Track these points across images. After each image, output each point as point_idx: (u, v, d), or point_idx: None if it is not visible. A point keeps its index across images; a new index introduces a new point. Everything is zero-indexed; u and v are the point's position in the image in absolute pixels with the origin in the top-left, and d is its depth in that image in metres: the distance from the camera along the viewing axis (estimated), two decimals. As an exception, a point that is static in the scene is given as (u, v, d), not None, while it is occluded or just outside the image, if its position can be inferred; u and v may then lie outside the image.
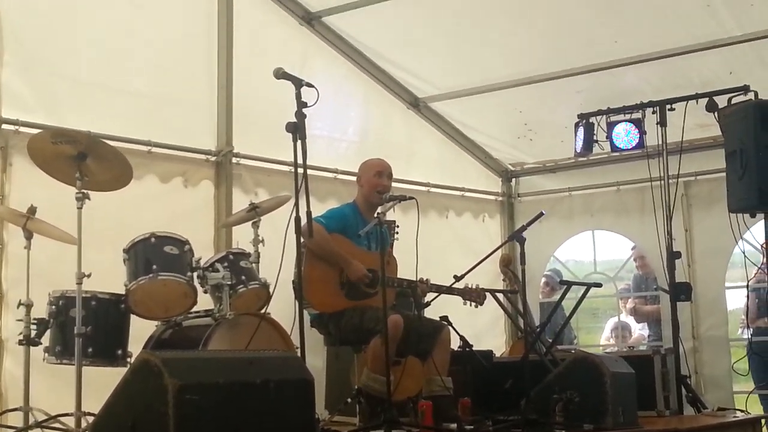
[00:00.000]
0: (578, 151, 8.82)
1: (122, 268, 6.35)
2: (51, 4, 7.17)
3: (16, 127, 6.77)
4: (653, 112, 8.19)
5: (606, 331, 11.00)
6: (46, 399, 6.05)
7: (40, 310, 6.11)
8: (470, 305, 7.11)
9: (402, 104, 9.89)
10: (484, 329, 9.86)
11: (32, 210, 6.10)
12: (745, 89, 7.81)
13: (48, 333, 6.09)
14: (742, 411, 7.80)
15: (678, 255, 8.02)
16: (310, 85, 5.51)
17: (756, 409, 8.38)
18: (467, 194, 10.53)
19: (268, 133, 7.85)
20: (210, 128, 8.11)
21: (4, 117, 6.76)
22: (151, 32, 7.73)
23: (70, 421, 5.72)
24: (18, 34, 6.89)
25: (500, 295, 7.93)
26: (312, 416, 4.59)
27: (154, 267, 6.25)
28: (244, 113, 8.22)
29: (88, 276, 5.88)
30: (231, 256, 6.76)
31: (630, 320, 10.71)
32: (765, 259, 7.57)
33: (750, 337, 8.45)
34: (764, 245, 7.58)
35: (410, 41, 9.15)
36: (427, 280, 6.81)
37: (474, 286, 7.07)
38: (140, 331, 6.51)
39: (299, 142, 5.36)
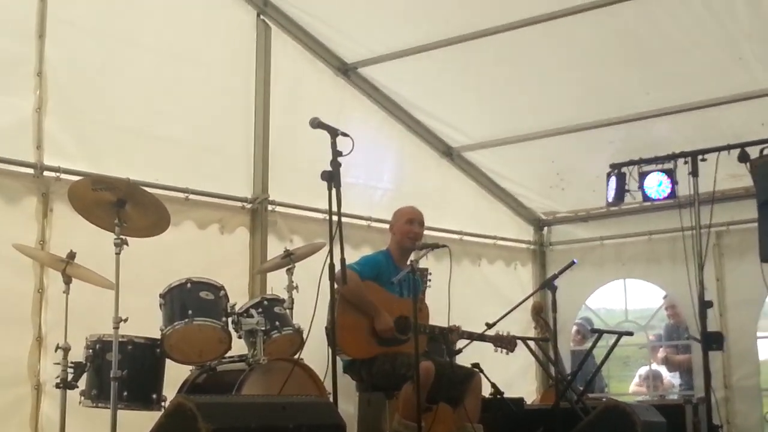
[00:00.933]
0: (610, 200, 8.87)
1: (158, 313, 6.42)
2: (95, 52, 7.28)
3: (58, 174, 6.88)
4: (685, 163, 8.27)
5: (636, 378, 10.96)
6: (82, 442, 6.12)
7: (78, 354, 6.17)
8: (501, 352, 7.15)
9: (435, 153, 9.98)
10: (516, 376, 9.87)
11: (72, 255, 6.18)
12: (777, 140, 7.87)
13: (84, 376, 6.13)
14: (774, 460, 7.80)
15: (710, 304, 8.05)
16: (345, 135, 5.57)
17: (788, 460, 8.34)
18: (499, 242, 10.59)
19: (303, 181, 7.94)
20: (247, 176, 8.21)
21: (46, 164, 6.87)
22: (192, 82, 7.86)
23: (106, 464, 5.79)
24: (61, 82, 7.01)
25: (531, 343, 7.96)
26: (344, 461, 4.63)
27: (190, 312, 6.30)
28: (281, 162, 8.31)
29: (125, 320, 5.93)
30: (265, 302, 6.80)
31: (661, 369, 10.68)
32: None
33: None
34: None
35: (443, 91, 9.25)
36: (458, 327, 6.85)
37: (505, 333, 7.10)
38: (175, 375, 6.55)
39: (334, 191, 5.44)
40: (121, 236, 5.97)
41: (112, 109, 7.36)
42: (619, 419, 6.23)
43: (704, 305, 8.01)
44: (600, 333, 7.93)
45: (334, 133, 5.57)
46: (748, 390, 9.30)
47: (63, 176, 6.86)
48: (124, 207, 6.04)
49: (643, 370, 10.91)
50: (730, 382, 9.34)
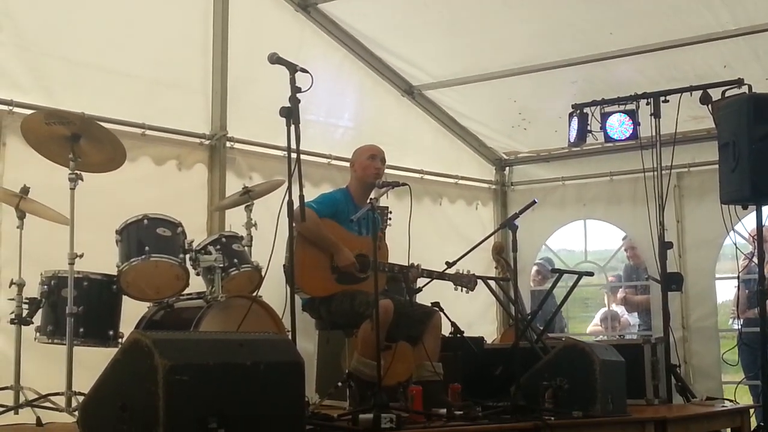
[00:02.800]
0: (572, 141, 8.85)
1: (115, 249, 6.35)
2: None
3: (10, 107, 6.76)
4: (647, 104, 8.25)
5: (596, 319, 11.03)
6: (36, 378, 6.03)
7: (32, 290, 6.11)
8: (461, 290, 7.13)
9: (397, 92, 9.89)
10: (476, 316, 9.91)
11: (25, 190, 6.09)
12: (739, 82, 7.86)
13: (40, 312, 6.09)
14: (730, 401, 7.86)
15: (669, 245, 8.08)
16: (304, 71, 5.49)
17: (745, 399, 8.42)
18: (461, 182, 10.56)
19: (262, 118, 7.88)
20: (205, 112, 8.11)
21: (-2, 97, 6.75)
22: (148, 16, 7.70)
23: (61, 401, 5.72)
24: (14, 14, 6.88)
25: (492, 283, 7.96)
26: (301, 399, 4.58)
27: (147, 249, 6.25)
28: (239, 98, 8.22)
29: (81, 256, 5.88)
30: (223, 239, 6.76)
31: (620, 309, 10.74)
32: (755, 250, 7.58)
33: (740, 327, 8.48)
34: (754, 236, 7.59)
35: (405, 29, 9.14)
36: (418, 265, 6.82)
37: (466, 272, 7.09)
38: (132, 312, 6.51)
39: (293, 127, 5.37)
40: (76, 171, 5.90)
41: (68, 43, 7.23)
42: (577, 358, 6.23)
43: (664, 246, 8.03)
44: (560, 273, 7.95)
45: (292, 68, 5.49)
46: (705, 330, 9.37)
47: (16, 110, 6.75)
48: (79, 142, 5.96)
49: (601, 312, 10.98)
50: (688, 323, 9.41)
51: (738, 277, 8.32)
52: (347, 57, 9.35)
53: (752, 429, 7.52)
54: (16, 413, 5.79)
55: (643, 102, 8.31)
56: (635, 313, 10.59)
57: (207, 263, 6.50)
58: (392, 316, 6.35)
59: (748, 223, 7.95)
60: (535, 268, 10.77)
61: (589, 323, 11.35)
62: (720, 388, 8.94)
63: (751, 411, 7.76)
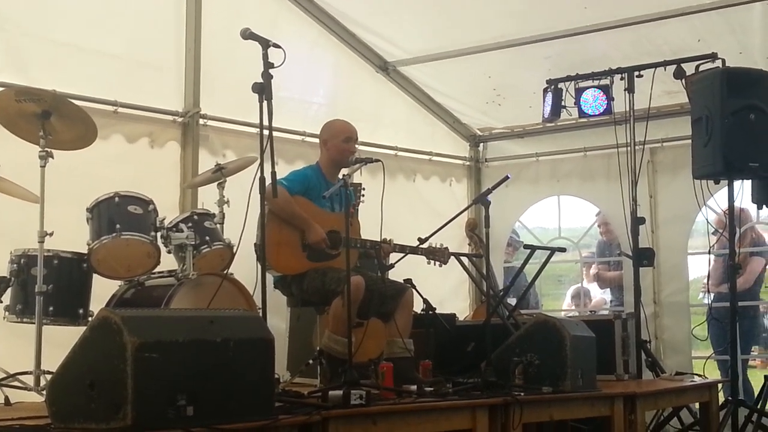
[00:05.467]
0: (546, 116, 8.89)
1: (85, 227, 6.34)
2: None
3: (-19, 85, 6.72)
4: (621, 79, 8.30)
5: (567, 297, 11.08)
6: (5, 357, 6.01)
7: (2, 269, 6.12)
8: (434, 264, 7.14)
9: (371, 68, 9.84)
10: (449, 293, 9.93)
11: (-6, 167, 6.10)
12: (713, 57, 7.91)
13: (9, 291, 6.08)
14: (699, 376, 7.94)
15: (642, 221, 8.13)
16: (277, 46, 5.45)
17: (713, 374, 8.47)
18: (435, 158, 10.53)
19: (236, 96, 7.79)
20: (178, 89, 8.07)
21: (-33, 74, 6.71)
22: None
23: (29, 379, 5.74)
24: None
25: (465, 259, 7.98)
26: (271, 375, 4.59)
27: (118, 226, 6.24)
28: (212, 75, 8.18)
29: (51, 235, 5.89)
30: (195, 217, 6.76)
31: (592, 286, 10.79)
32: (726, 226, 7.63)
33: (710, 302, 8.53)
34: (726, 212, 7.64)
35: (380, 5, 9.10)
36: (390, 240, 6.82)
37: (438, 245, 7.09)
38: (103, 290, 6.51)
39: (265, 103, 5.35)
40: (46, 149, 5.89)
41: (41, 21, 7.17)
42: (548, 334, 6.25)
43: (636, 222, 8.08)
44: (533, 249, 7.98)
45: (265, 44, 5.45)
46: (677, 306, 9.39)
47: (-15, 86, 6.69)
48: (49, 119, 5.97)
49: (572, 289, 11.03)
50: (660, 298, 9.43)
51: (710, 252, 8.35)
52: (322, 33, 9.30)
53: (720, 403, 7.59)
54: (-16, 393, 5.79)
55: (617, 77, 8.36)
56: (608, 289, 10.63)
57: (178, 241, 6.50)
58: (363, 293, 6.36)
59: (720, 198, 7.99)
60: (506, 242, 10.78)
61: (562, 300, 11.39)
62: (690, 363, 8.99)
63: (719, 386, 7.84)
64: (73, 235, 6.29)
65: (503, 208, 9.47)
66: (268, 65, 5.43)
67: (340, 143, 6.93)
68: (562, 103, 8.78)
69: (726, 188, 7.62)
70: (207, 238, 6.70)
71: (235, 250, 6.45)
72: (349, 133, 6.97)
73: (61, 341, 5.24)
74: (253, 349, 4.44)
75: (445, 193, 10.63)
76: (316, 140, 7.29)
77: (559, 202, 10.45)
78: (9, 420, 4.47)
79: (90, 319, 6.08)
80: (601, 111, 8.56)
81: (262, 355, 4.50)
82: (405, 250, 6.97)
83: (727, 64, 7.77)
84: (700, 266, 9.29)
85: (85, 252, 6.24)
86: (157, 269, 6.58)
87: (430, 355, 6.95)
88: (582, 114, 8.71)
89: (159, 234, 6.47)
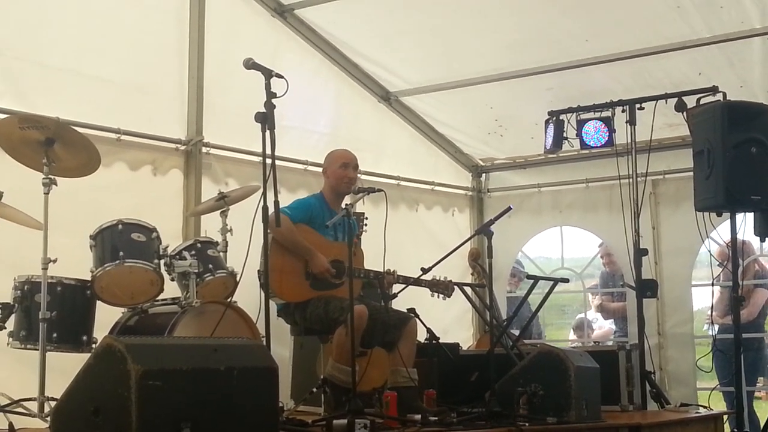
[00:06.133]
0: (548, 147, 8.89)
1: (89, 254, 6.34)
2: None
3: (-17, 111, 6.71)
4: (623, 111, 8.30)
5: (571, 332, 11.06)
6: (9, 383, 5.98)
7: (5, 295, 6.11)
8: (438, 297, 7.12)
9: (373, 98, 9.88)
10: (452, 322, 9.92)
11: (-2, 194, 6.09)
12: (714, 90, 7.92)
13: (13, 318, 6.07)
14: (704, 407, 7.90)
15: (645, 252, 8.11)
16: (279, 76, 5.50)
17: (719, 406, 8.41)
18: (437, 188, 10.55)
19: (238, 124, 7.81)
20: (180, 117, 8.08)
21: (-30, 101, 6.71)
22: (124, 21, 7.68)
23: (33, 406, 5.70)
24: (-13, 18, 6.85)
25: (468, 289, 7.96)
26: (275, 404, 4.59)
27: (121, 254, 6.24)
28: (216, 103, 8.19)
29: (54, 261, 5.88)
30: (198, 245, 6.77)
31: (596, 316, 10.77)
32: (730, 258, 7.62)
33: (714, 334, 8.51)
34: (729, 244, 7.63)
35: (382, 35, 9.13)
36: (394, 271, 6.81)
37: (442, 278, 7.09)
38: (106, 318, 6.50)
39: (268, 132, 5.37)
40: (50, 176, 5.89)
41: (42, 47, 7.18)
42: (552, 364, 6.24)
43: (639, 253, 8.06)
44: (536, 279, 7.96)
45: (268, 74, 5.50)
46: (681, 337, 9.39)
47: (-11, 113, 6.69)
48: (53, 146, 5.97)
49: (575, 321, 11.02)
50: (664, 330, 9.43)
51: (713, 284, 8.33)
52: (323, 63, 9.33)
53: (725, 435, 7.57)
54: (-11, 419, 5.76)
55: (618, 109, 8.36)
56: (611, 320, 10.61)
57: (182, 269, 6.50)
58: (366, 322, 6.34)
59: (723, 230, 7.98)
60: (510, 272, 10.77)
61: (566, 330, 11.38)
62: (695, 394, 8.98)
63: (725, 417, 7.80)
64: (76, 262, 6.29)
65: (506, 238, 9.47)
66: (270, 95, 5.47)
67: (336, 169, 6.93)
68: (564, 135, 8.78)
69: (728, 221, 7.61)
70: (210, 266, 6.71)
71: (238, 279, 6.46)
72: (347, 159, 6.97)
73: (65, 368, 5.22)
74: (257, 377, 4.44)
75: (448, 223, 10.65)
76: (319, 169, 7.31)
77: (561, 232, 10.46)
78: (13, 447, 4.47)
79: (94, 346, 6.07)
80: (603, 143, 8.58)
81: (266, 384, 4.49)
82: (409, 281, 6.95)
83: (727, 98, 7.78)
84: (704, 298, 9.31)
85: (89, 279, 6.23)
86: (161, 297, 6.58)
87: (434, 384, 6.93)
88: (584, 145, 8.71)
89: (162, 262, 6.47)
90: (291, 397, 7.33)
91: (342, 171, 6.90)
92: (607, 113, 8.52)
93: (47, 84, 7.15)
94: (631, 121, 8.19)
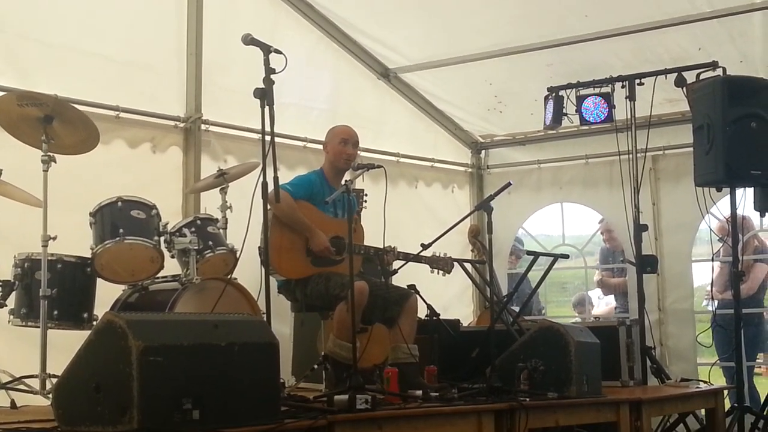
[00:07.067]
0: (547, 123, 8.89)
1: (89, 231, 6.33)
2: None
3: (-18, 88, 6.70)
4: (622, 87, 8.30)
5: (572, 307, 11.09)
6: (10, 361, 6.03)
7: (5, 273, 6.12)
8: (438, 273, 7.12)
9: (372, 74, 9.85)
10: (453, 299, 9.93)
11: (-3, 172, 6.08)
12: (714, 65, 7.92)
13: (13, 295, 6.07)
14: (705, 382, 7.92)
15: (645, 228, 8.13)
16: (278, 52, 5.46)
17: (719, 381, 8.45)
18: (437, 165, 10.55)
19: (237, 101, 7.83)
20: (179, 94, 8.06)
21: (-31, 79, 6.69)
22: (123, -2, 7.68)
23: (35, 383, 5.73)
24: (-14, -4, 6.83)
25: (468, 265, 7.95)
26: (276, 379, 4.59)
27: (121, 231, 6.24)
28: (214, 81, 8.17)
29: (54, 239, 5.88)
30: (198, 222, 6.77)
31: (595, 292, 10.78)
32: (729, 233, 7.62)
33: (714, 310, 8.52)
34: (729, 219, 7.63)
35: (381, 12, 9.09)
36: (394, 248, 6.80)
37: (442, 255, 7.08)
38: (107, 295, 6.50)
39: (267, 108, 5.34)
40: (49, 153, 5.89)
41: (42, 24, 7.14)
42: (552, 340, 6.24)
43: (639, 229, 8.08)
44: (536, 255, 7.96)
45: (266, 49, 5.45)
46: (681, 313, 9.40)
47: (-12, 91, 6.67)
48: (52, 123, 5.97)
49: (575, 297, 11.03)
50: (664, 305, 9.44)
51: (713, 259, 8.33)
52: (322, 39, 9.30)
53: (726, 410, 7.58)
54: (-10, 396, 5.78)
55: (618, 85, 8.37)
56: (612, 296, 10.62)
57: (182, 245, 6.51)
58: (367, 298, 6.33)
59: (723, 205, 7.97)
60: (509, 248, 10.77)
61: (567, 307, 11.38)
62: (695, 369, 8.98)
63: (725, 392, 7.82)
64: (76, 240, 6.29)
65: (506, 215, 9.45)
66: (269, 71, 5.42)
67: (336, 145, 6.91)
68: (564, 111, 8.78)
69: (728, 196, 7.61)
70: (210, 243, 6.71)
71: (238, 255, 6.45)
72: (346, 135, 6.95)
73: (66, 345, 5.23)
74: (258, 353, 4.44)
75: (447, 200, 10.64)
76: (318, 146, 7.32)
77: (562, 209, 10.45)
78: (15, 423, 4.48)
79: (94, 323, 6.05)
80: (603, 118, 8.57)
81: (267, 360, 4.49)
82: (409, 257, 6.95)
83: (727, 73, 7.77)
84: (704, 273, 9.31)
85: (89, 256, 6.24)
86: (161, 274, 6.58)
87: (435, 360, 6.95)
88: (583, 121, 8.71)
89: (162, 239, 6.47)
90: (292, 374, 7.35)
91: (341, 147, 6.89)
92: (606, 89, 8.52)
93: (46, 61, 7.13)
94: (631, 97, 8.19)
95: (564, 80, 8.78)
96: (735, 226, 7.55)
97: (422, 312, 7.10)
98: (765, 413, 7.44)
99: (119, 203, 6.35)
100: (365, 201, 8.12)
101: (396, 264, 6.99)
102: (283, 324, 7.47)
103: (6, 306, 6.05)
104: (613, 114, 8.47)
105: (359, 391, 5.09)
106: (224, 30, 8.09)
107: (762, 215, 8.32)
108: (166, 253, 6.53)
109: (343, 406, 4.93)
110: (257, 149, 5.52)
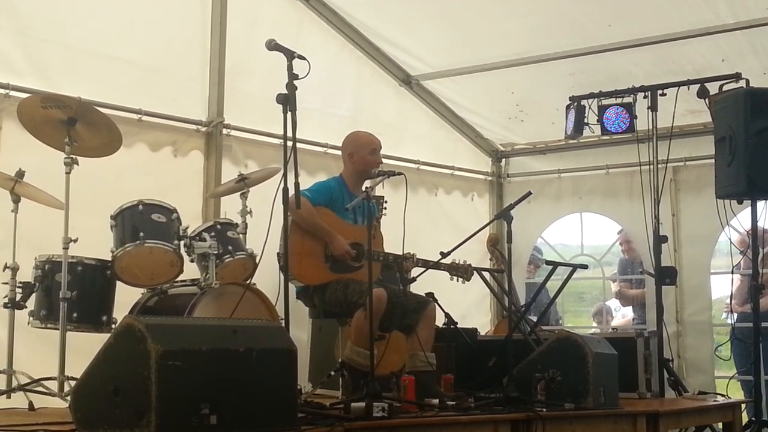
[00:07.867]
0: (569, 133, 8.87)
1: (109, 234, 6.36)
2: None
3: (7, 91, 6.71)
4: (645, 97, 8.28)
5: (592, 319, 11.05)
6: (29, 362, 6.05)
7: (26, 274, 6.13)
8: (457, 281, 7.11)
9: (394, 81, 9.85)
10: (470, 307, 9.92)
11: (20, 174, 6.10)
12: (737, 77, 7.88)
13: (33, 297, 6.10)
14: (722, 395, 7.87)
15: (664, 239, 8.10)
16: (302, 57, 5.46)
17: (737, 395, 8.41)
18: (457, 173, 10.53)
19: (260, 106, 7.88)
20: (201, 99, 8.07)
21: (-6, 80, 6.73)
22: (147, 2, 7.70)
23: (53, 385, 5.74)
24: (12, -1, 6.87)
25: (486, 274, 7.95)
26: (294, 386, 4.60)
27: (141, 234, 6.26)
28: (237, 85, 8.19)
29: (75, 241, 5.91)
30: (218, 226, 6.79)
31: (612, 303, 10.75)
32: (750, 246, 7.59)
33: (733, 322, 8.48)
34: (749, 232, 7.61)
35: (404, 19, 9.11)
36: (413, 255, 6.81)
37: (461, 262, 7.08)
38: (126, 298, 6.53)
39: (289, 114, 5.35)
40: (72, 155, 5.91)
41: (65, 27, 7.19)
42: (570, 350, 6.23)
43: (659, 240, 8.05)
44: (555, 265, 7.94)
45: (290, 55, 5.47)
46: (699, 325, 9.36)
47: (12, 93, 6.70)
48: (75, 126, 5.99)
49: (594, 308, 11.00)
50: (683, 317, 9.39)
51: (732, 272, 8.29)
52: (345, 46, 9.32)
53: (743, 424, 7.54)
54: (9, 397, 5.81)
55: (640, 95, 8.34)
56: (629, 307, 10.59)
57: (201, 250, 6.52)
58: (385, 306, 6.33)
59: (744, 218, 7.94)
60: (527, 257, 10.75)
61: (585, 317, 11.35)
62: (713, 382, 8.95)
63: (743, 406, 7.78)
64: (97, 243, 6.32)
65: (525, 224, 9.43)
66: (292, 76, 5.43)
67: (366, 155, 6.91)
68: (585, 120, 8.75)
69: (749, 208, 7.57)
70: (230, 247, 6.72)
71: (257, 260, 6.47)
72: (375, 146, 6.96)
73: (85, 348, 5.24)
74: (276, 359, 4.46)
75: (467, 208, 10.63)
76: (338, 152, 7.29)
77: (581, 219, 10.42)
78: (33, 425, 4.51)
79: (113, 326, 6.09)
80: (624, 129, 8.55)
81: (285, 366, 4.51)
82: (428, 265, 6.94)
83: (751, 85, 7.74)
84: (723, 286, 9.27)
85: (109, 259, 6.26)
86: (180, 278, 6.60)
87: (452, 369, 6.94)
88: (605, 131, 8.68)
89: (182, 243, 6.48)
90: (309, 380, 7.36)
91: (371, 157, 6.88)
92: (628, 99, 8.49)
93: (70, 65, 7.16)
94: (653, 107, 8.17)
95: (586, 90, 8.76)
96: (755, 239, 7.53)
97: (440, 320, 7.10)
98: (783, 427, 7.41)
99: (140, 207, 6.38)
100: (385, 208, 8.12)
101: (415, 271, 6.99)
102: (300, 330, 7.47)
103: (26, 307, 6.08)
104: (635, 124, 8.45)
105: (376, 398, 5.09)
106: (247, 35, 8.11)
107: (783, 228, 8.27)
108: (186, 258, 6.54)
109: (359, 413, 4.93)
110: (278, 154, 5.52)
